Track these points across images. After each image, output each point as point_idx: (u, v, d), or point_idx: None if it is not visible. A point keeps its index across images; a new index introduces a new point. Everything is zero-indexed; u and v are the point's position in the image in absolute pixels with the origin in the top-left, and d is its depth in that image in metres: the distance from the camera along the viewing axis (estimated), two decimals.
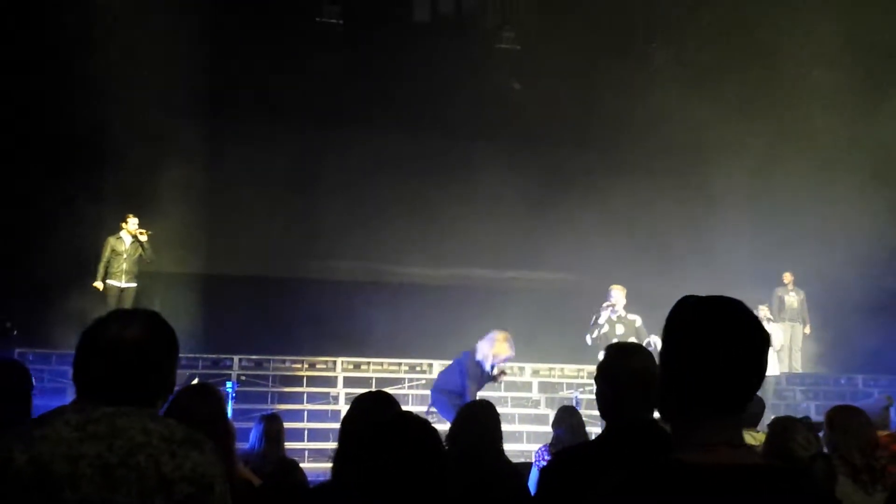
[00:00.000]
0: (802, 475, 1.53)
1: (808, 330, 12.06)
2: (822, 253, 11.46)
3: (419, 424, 2.11)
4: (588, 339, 8.98)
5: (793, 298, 11.95)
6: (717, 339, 1.47)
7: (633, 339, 8.21)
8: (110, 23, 9.87)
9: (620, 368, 2.44)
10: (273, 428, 4.99)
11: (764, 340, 1.50)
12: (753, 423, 4.93)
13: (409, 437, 2.05)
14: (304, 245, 12.22)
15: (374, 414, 2.54)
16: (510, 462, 4.06)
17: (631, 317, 8.83)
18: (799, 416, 4.89)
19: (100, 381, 1.81)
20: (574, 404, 7.31)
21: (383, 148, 12.38)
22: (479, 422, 3.82)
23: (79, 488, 1.66)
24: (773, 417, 6.27)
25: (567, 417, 5.17)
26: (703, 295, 1.56)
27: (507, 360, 7.41)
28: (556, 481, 2.40)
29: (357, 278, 12.19)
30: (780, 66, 10.47)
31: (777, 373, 10.85)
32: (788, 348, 11.89)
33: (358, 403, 2.76)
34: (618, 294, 8.86)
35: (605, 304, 8.87)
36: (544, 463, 3.83)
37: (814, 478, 1.60)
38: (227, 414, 3.23)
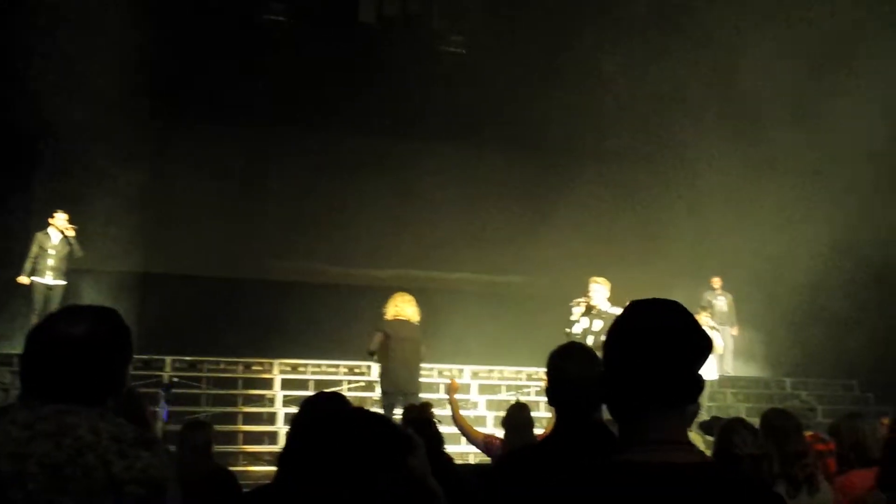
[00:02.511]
0: (743, 473, 1.60)
1: (735, 332, 12.38)
2: (754, 257, 11.79)
3: (377, 420, 2.01)
4: (566, 336, 8.72)
5: (721, 302, 12.26)
6: (659, 340, 1.52)
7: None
8: (47, 18, 9.54)
9: (560, 370, 2.47)
10: (196, 437, 4.65)
11: (705, 342, 1.55)
12: (688, 423, 5.03)
13: (365, 433, 1.94)
14: (244, 245, 12.01)
15: (326, 412, 2.48)
16: (453, 464, 4.03)
17: (612, 311, 8.19)
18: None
19: (48, 379, 1.77)
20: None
21: (326, 148, 12.29)
22: (418, 426, 3.82)
23: (24, 487, 1.63)
24: (703, 419, 6.36)
25: (516, 415, 5.15)
26: (647, 298, 1.61)
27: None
28: (502, 483, 2.41)
29: (296, 279, 12.05)
30: (725, 65, 10.68)
31: (715, 377, 11.08)
32: (718, 352, 12.17)
33: (310, 403, 2.67)
34: (596, 288, 8.31)
35: (575, 301, 8.63)
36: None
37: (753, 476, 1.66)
38: (147, 417, 3.11)
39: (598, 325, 8.19)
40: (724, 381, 11.85)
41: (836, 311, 11.40)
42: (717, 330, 11.57)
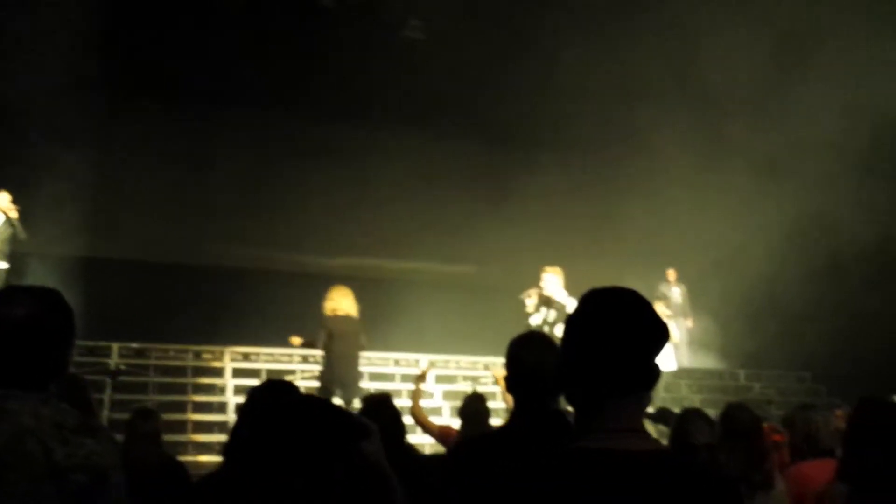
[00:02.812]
0: (698, 462, 1.59)
1: (690, 324, 12.51)
2: (710, 248, 11.89)
3: (327, 408, 1.95)
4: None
5: (676, 294, 12.38)
6: (616, 327, 1.53)
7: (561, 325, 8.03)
8: None
9: (518, 358, 2.48)
10: (144, 426, 4.56)
11: (661, 330, 1.56)
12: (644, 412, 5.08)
13: (316, 421, 1.89)
14: (193, 230, 11.77)
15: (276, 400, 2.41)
16: (417, 454, 4.01)
17: (567, 300, 8.28)
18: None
19: None
20: None
21: (280, 132, 12.08)
22: (379, 416, 3.65)
23: None
24: (659, 409, 6.38)
25: (472, 405, 5.07)
26: (605, 286, 1.62)
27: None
28: (458, 471, 2.42)
29: (248, 265, 11.83)
30: (684, 55, 10.71)
31: (674, 368, 11.17)
32: (673, 343, 12.27)
33: (259, 391, 2.62)
34: (549, 277, 8.37)
35: (525, 293, 8.60)
36: None
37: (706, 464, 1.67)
38: (91, 405, 3.01)
39: (553, 315, 8.23)
40: (680, 372, 11.96)
41: (790, 304, 11.54)
42: (673, 321, 11.70)
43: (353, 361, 7.92)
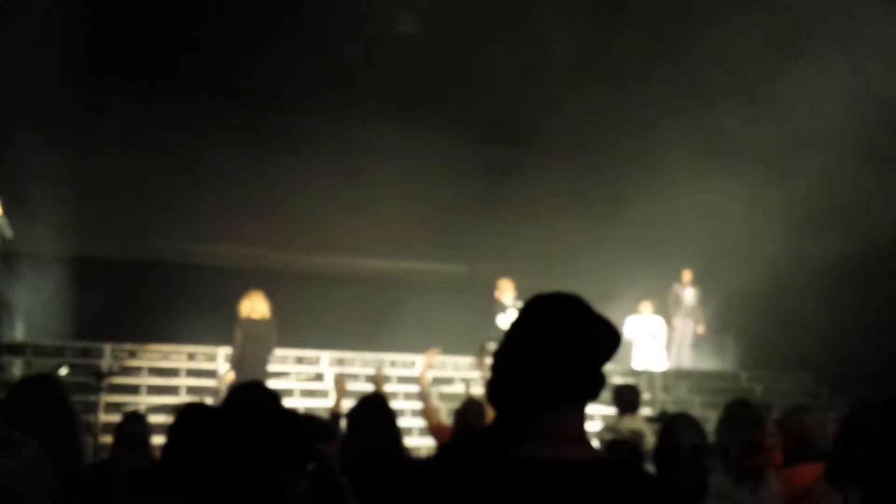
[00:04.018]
0: (638, 470, 1.51)
1: (701, 330, 12.34)
2: (712, 249, 11.77)
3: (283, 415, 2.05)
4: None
5: (690, 295, 12.21)
6: (559, 331, 1.49)
7: None
8: None
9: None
10: (133, 429, 4.51)
11: (607, 338, 1.52)
12: (633, 410, 5.59)
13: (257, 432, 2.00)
14: (185, 227, 11.74)
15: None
16: (408, 458, 3.91)
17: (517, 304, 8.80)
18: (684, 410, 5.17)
19: None
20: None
21: (269, 126, 11.98)
22: (374, 417, 3.70)
23: None
24: (661, 412, 6.33)
25: (467, 411, 4.95)
26: (550, 292, 1.59)
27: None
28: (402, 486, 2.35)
29: (241, 264, 11.73)
30: (685, 57, 10.60)
31: (665, 367, 11.04)
32: (678, 344, 12.14)
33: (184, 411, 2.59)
34: (505, 285, 8.94)
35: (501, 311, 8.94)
36: None
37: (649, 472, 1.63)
38: (68, 406, 2.90)
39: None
40: (680, 373, 11.84)
41: (793, 305, 11.40)
42: (684, 321, 11.63)
43: (261, 364, 8.06)
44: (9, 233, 9.38)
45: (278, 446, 1.91)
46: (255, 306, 8.10)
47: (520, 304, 8.74)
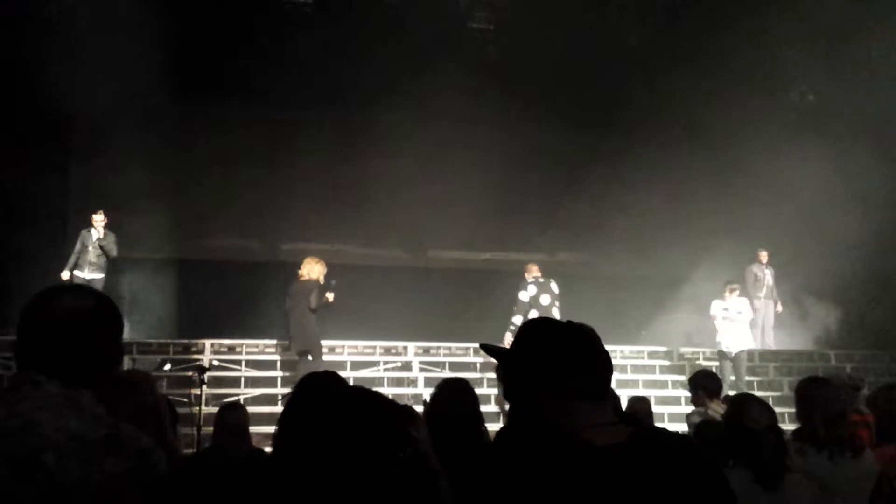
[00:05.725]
0: (674, 447, 1.65)
1: (780, 308, 12.15)
2: (796, 229, 11.52)
3: (368, 398, 1.92)
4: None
5: (767, 275, 12.02)
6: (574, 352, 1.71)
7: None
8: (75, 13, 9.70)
9: None
10: (231, 419, 4.65)
11: (580, 342, 1.74)
12: (717, 395, 5.51)
13: (350, 412, 1.84)
14: (284, 228, 12.15)
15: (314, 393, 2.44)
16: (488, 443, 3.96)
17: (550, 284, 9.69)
18: (773, 392, 5.03)
19: (47, 354, 1.69)
20: None
21: (355, 130, 12.24)
22: (456, 401, 3.71)
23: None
24: (735, 393, 6.34)
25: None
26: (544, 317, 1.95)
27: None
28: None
29: (328, 261, 12.01)
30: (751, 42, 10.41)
31: (751, 346, 10.88)
32: (761, 326, 11.94)
33: (303, 383, 2.62)
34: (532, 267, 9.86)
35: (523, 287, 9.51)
36: None
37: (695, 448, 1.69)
38: (158, 404, 2.99)
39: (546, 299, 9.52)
40: (767, 354, 11.65)
41: (881, 282, 11.08)
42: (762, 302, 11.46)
43: (304, 316, 8.97)
44: (114, 252, 9.99)
45: (371, 431, 1.78)
46: (305, 270, 9.21)
47: (539, 281, 9.61)
